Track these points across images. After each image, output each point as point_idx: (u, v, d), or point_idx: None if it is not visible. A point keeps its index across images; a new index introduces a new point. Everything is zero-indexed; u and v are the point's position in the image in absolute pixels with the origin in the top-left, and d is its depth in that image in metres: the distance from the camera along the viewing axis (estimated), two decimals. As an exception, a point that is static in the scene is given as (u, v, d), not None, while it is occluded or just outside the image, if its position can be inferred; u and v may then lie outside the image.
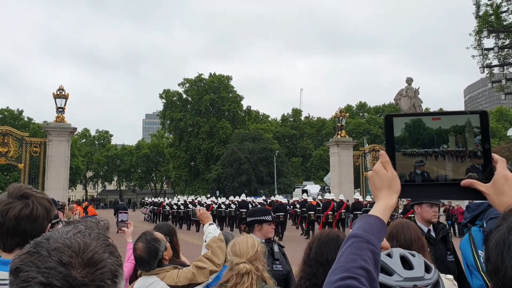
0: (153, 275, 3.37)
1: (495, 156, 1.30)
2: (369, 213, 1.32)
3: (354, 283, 1.10)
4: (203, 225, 3.89)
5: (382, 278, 1.47)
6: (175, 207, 35.03)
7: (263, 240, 4.13)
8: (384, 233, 1.27)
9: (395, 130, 1.34)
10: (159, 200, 41.67)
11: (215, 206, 30.60)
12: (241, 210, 27.29)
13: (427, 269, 1.52)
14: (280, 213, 22.84)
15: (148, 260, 3.34)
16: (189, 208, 31.33)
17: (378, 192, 1.34)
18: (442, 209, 24.25)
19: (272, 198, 32.79)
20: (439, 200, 4.55)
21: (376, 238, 1.22)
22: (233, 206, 29.92)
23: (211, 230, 3.74)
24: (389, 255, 1.57)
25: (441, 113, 1.33)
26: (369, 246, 1.19)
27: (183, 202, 34.34)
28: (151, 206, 40.85)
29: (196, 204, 31.80)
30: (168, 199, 40.68)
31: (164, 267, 3.42)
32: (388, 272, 1.50)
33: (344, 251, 1.20)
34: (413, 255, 1.57)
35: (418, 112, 1.38)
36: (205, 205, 30.32)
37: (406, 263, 1.52)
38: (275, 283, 3.05)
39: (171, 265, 3.49)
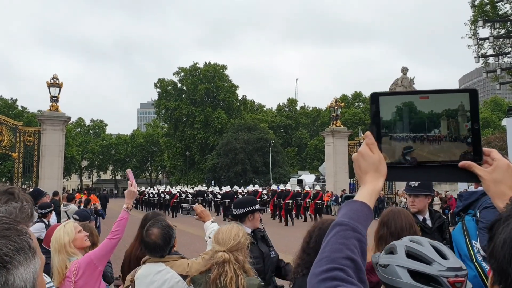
0: (161, 262, 3.28)
1: (485, 149, 1.26)
2: (355, 198, 1.25)
3: (340, 274, 1.06)
4: (204, 222, 3.99)
5: (420, 266, 1.42)
6: (151, 195, 39.47)
7: (251, 230, 4.10)
8: (370, 220, 1.21)
9: (381, 109, 1.28)
10: (141, 189, 45.71)
11: (183, 195, 35.83)
12: (197, 198, 33.37)
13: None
14: (226, 200, 29.48)
15: (163, 246, 3.26)
16: (161, 196, 36.91)
17: (364, 175, 1.27)
18: (437, 198, 24.36)
19: (224, 188, 37.37)
20: (426, 190, 4.41)
21: (363, 225, 1.16)
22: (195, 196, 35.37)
23: (215, 228, 3.75)
24: (418, 242, 1.51)
25: (429, 91, 1.27)
26: (355, 235, 1.13)
27: (157, 192, 39.11)
28: (135, 195, 45.07)
29: (166, 193, 37.13)
30: (147, 188, 45.50)
31: (172, 256, 3.36)
32: (425, 260, 1.44)
33: (329, 240, 1.14)
34: (440, 244, 1.53)
35: (405, 91, 1.32)
36: (171, 194, 36.01)
37: (440, 253, 1.48)
38: (256, 274, 3.04)
39: (178, 255, 3.43)
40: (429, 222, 4.37)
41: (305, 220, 25.97)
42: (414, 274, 1.42)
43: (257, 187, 35.04)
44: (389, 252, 1.54)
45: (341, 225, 1.16)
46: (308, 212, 26.26)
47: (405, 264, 1.44)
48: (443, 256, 1.46)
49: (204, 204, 33.18)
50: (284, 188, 28.88)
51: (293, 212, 26.55)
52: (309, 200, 26.21)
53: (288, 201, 25.89)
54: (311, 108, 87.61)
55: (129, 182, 3.99)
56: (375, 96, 1.29)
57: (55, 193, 13.86)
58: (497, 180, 1.23)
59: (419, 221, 4.20)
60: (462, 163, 1.25)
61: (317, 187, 27.88)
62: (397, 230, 2.94)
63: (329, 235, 1.16)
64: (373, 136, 1.27)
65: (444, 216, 4.97)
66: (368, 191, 1.24)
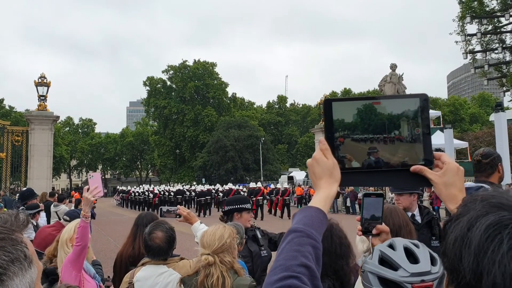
0: (162, 264, 3.27)
1: (435, 153, 1.27)
2: (310, 204, 1.24)
3: (295, 282, 1.04)
4: (191, 224, 3.99)
5: (387, 273, 1.40)
6: (136, 194, 40.61)
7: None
8: (325, 225, 1.20)
9: (334, 114, 1.28)
10: (127, 188, 47.09)
11: (167, 193, 36.84)
12: (177, 196, 34.21)
13: (432, 262, 1.43)
14: (202, 198, 31.31)
15: (167, 249, 3.29)
16: (145, 195, 38.34)
17: (318, 181, 1.26)
18: (426, 193, 24.49)
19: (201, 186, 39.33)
20: (410, 188, 4.42)
21: (317, 231, 1.15)
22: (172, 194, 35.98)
23: (205, 228, 3.75)
24: (392, 246, 1.48)
25: (381, 97, 1.28)
26: (310, 241, 1.12)
27: (142, 190, 40.51)
28: (121, 194, 46.85)
29: (150, 192, 38.20)
30: (133, 187, 46.15)
31: (173, 258, 3.36)
32: (393, 266, 1.42)
33: (284, 247, 1.12)
34: (417, 246, 1.49)
35: (357, 96, 1.31)
36: (154, 192, 37.20)
37: (411, 256, 1.45)
38: (246, 273, 3.04)
39: (178, 256, 3.43)
40: (418, 218, 4.40)
41: (276, 215, 28.29)
42: (384, 280, 1.40)
43: (230, 185, 36.21)
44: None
45: (295, 231, 1.14)
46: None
47: (375, 271, 1.42)
48: (414, 260, 1.43)
49: (184, 202, 34.19)
50: (255, 186, 30.43)
51: (267, 208, 28.84)
52: (279, 197, 28.42)
53: (259, 198, 27.91)
54: (301, 105, 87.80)
55: (85, 187, 3.75)
56: (328, 103, 1.29)
57: (52, 194, 13.47)
58: (448, 183, 1.25)
59: (408, 217, 4.23)
60: (413, 168, 1.25)
61: (285, 185, 31.11)
62: (395, 227, 2.88)
63: (283, 242, 1.14)
64: (327, 141, 1.27)
65: (433, 212, 4.99)
66: (323, 197, 1.23)
